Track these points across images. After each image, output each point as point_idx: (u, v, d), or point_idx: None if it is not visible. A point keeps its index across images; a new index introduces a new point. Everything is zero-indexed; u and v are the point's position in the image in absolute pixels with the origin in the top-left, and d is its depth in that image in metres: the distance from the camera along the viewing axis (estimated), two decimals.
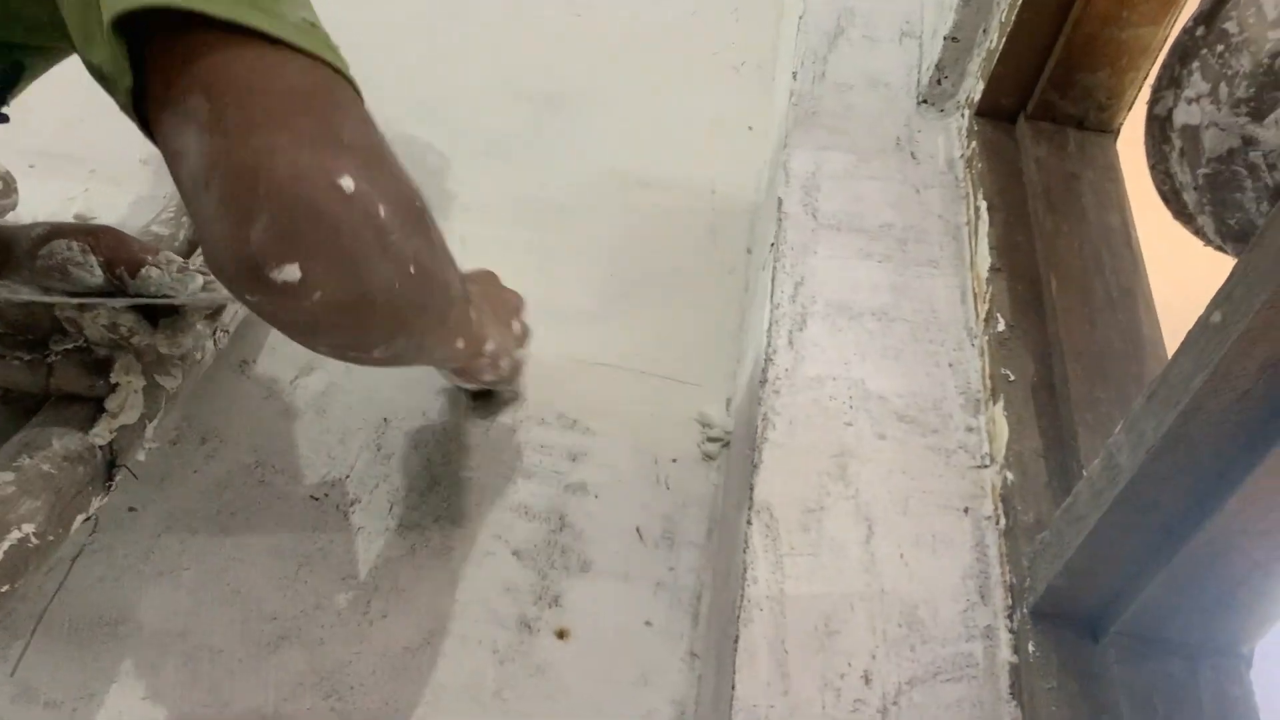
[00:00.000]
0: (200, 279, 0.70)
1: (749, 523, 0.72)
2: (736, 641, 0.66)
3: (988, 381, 0.81)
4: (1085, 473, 0.61)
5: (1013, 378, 0.78)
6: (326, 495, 0.84)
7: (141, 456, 0.73)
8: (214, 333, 0.80)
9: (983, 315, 0.85)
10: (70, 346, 0.66)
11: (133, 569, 0.78)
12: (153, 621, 0.76)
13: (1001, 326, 0.82)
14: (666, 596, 0.82)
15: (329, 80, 0.50)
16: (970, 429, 0.79)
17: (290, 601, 0.78)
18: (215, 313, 0.72)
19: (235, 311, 0.85)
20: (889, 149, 1.01)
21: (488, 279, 0.87)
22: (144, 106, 0.49)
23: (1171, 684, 0.62)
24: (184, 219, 0.90)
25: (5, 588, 0.58)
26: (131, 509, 0.81)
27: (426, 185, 1.11)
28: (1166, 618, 0.62)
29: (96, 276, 0.66)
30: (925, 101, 1.06)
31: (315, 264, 0.48)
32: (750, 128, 1.21)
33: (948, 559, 0.71)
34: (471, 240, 1.05)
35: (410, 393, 0.92)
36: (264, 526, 0.82)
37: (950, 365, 0.83)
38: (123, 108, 0.50)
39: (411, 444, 0.88)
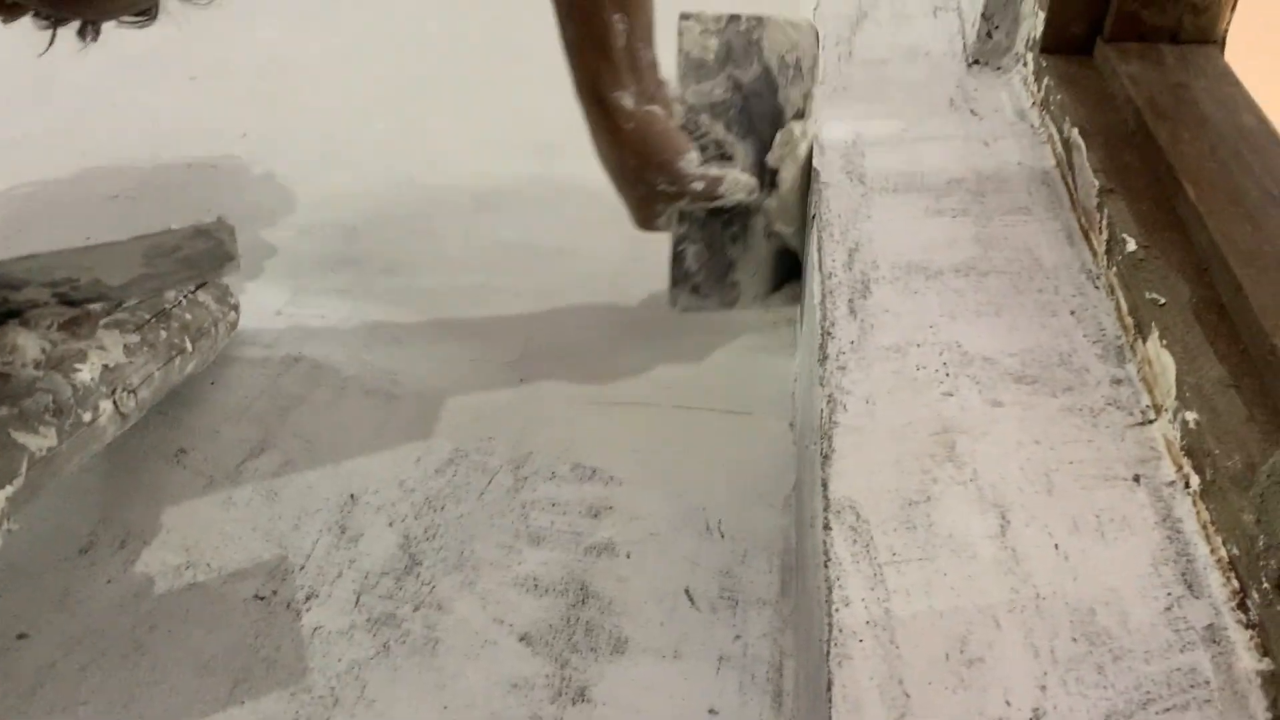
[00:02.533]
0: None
1: (827, 527, 0.51)
2: (830, 690, 0.44)
3: (1128, 319, 0.60)
4: None
5: (1163, 301, 0.57)
6: (275, 592, 0.64)
7: None
8: (113, 392, 0.63)
9: (1102, 248, 0.65)
10: None
11: (13, 710, 0.58)
12: None
13: (1133, 247, 0.61)
14: (734, 674, 0.59)
15: None
16: (1117, 380, 0.57)
17: None
18: (71, 323, 0.55)
19: (151, 374, 0.68)
20: (942, 110, 0.83)
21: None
22: None
23: None
24: None
25: None
26: (21, 635, 0.62)
27: (411, 246, 0.95)
28: None
29: None
30: (977, 62, 0.89)
31: None
32: None
33: (1124, 543, 0.49)
34: (462, 291, 0.88)
35: (382, 459, 0.73)
36: (191, 639, 0.62)
37: (1072, 313, 0.62)
38: None
39: (385, 520, 0.69)
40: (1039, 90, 0.81)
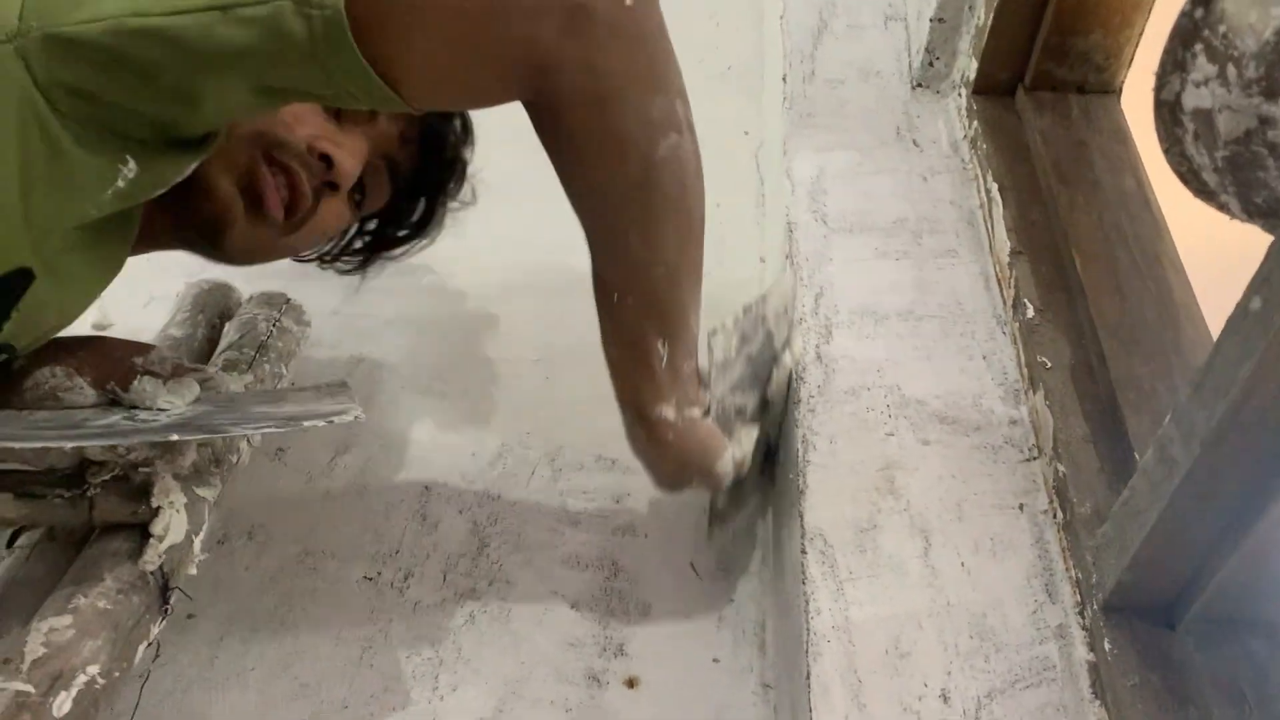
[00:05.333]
0: (196, 386, 0.69)
1: (804, 552, 0.71)
2: (809, 677, 0.66)
3: (1024, 370, 0.80)
4: (1140, 464, 0.59)
5: (1050, 364, 0.77)
6: (379, 574, 0.84)
7: (193, 570, 0.73)
8: (246, 437, 0.80)
9: (1010, 301, 0.84)
10: (108, 477, 0.66)
11: (200, 678, 0.78)
12: None
13: (1031, 313, 0.80)
14: (730, 630, 0.81)
15: None
16: (1014, 421, 0.78)
17: (359, 688, 0.78)
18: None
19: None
20: (890, 140, 0.99)
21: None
22: None
23: (1256, 665, 0.61)
24: (199, 318, 0.90)
25: None
26: (190, 616, 0.81)
27: (439, 241, 1.10)
28: (1244, 598, 0.61)
29: (88, 397, 0.66)
30: (920, 85, 1.04)
31: None
32: (746, 132, 1.20)
33: (1010, 561, 0.70)
34: (489, 289, 1.04)
35: (447, 455, 0.91)
36: (322, 615, 0.82)
37: (984, 357, 0.82)
38: None
39: (455, 509, 0.88)
40: (969, 127, 0.97)
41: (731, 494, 0.82)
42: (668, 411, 0.71)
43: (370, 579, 0.84)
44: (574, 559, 0.85)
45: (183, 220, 0.72)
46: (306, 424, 0.65)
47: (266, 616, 0.82)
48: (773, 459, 0.87)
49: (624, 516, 0.88)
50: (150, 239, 0.73)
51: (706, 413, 0.75)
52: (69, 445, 0.63)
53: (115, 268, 0.68)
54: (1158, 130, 0.57)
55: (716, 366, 0.77)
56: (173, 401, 0.65)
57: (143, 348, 0.70)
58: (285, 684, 0.78)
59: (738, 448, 0.77)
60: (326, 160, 0.73)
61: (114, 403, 0.65)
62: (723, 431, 0.76)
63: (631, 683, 0.78)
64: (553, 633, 0.81)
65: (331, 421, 0.64)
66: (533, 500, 0.89)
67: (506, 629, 0.81)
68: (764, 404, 0.82)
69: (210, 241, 0.74)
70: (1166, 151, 0.57)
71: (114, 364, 0.66)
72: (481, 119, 0.89)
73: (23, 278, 0.60)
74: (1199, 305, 0.79)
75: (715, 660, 0.79)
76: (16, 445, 0.61)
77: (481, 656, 0.79)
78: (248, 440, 0.81)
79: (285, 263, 1.07)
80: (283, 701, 0.77)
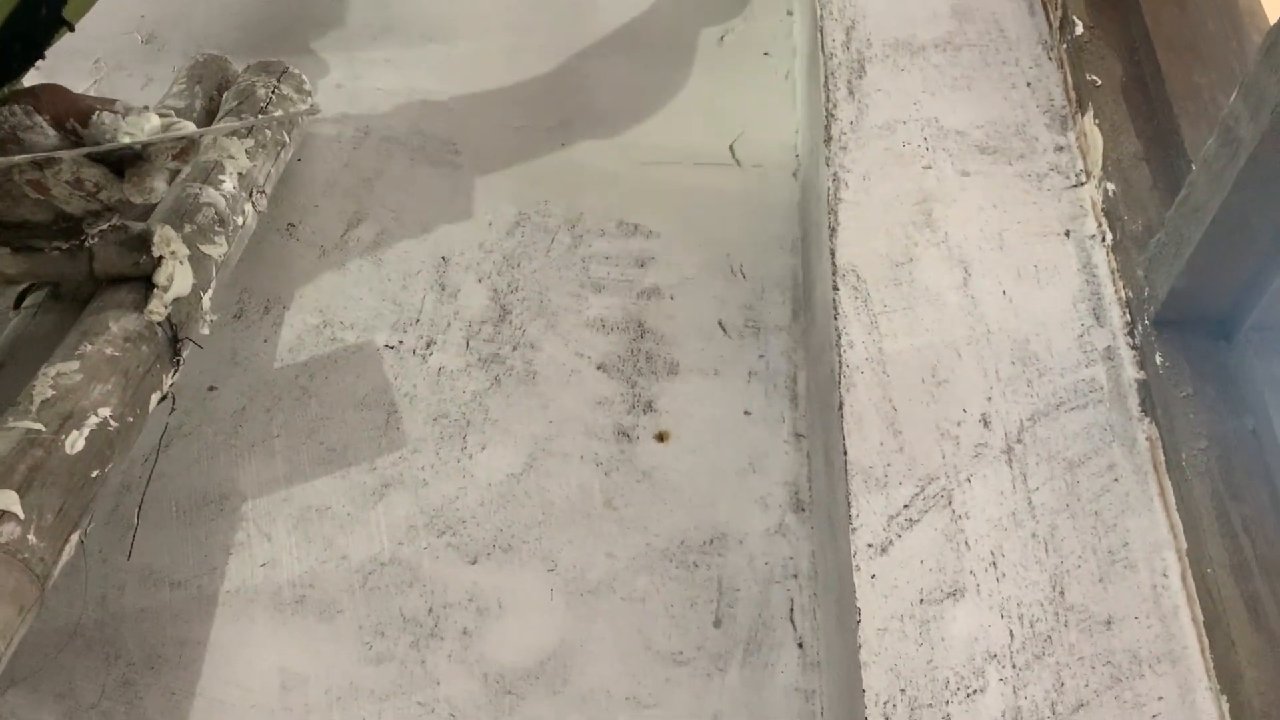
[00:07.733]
0: (156, 118, 0.66)
1: (835, 288, 0.68)
2: (841, 408, 0.63)
3: (1072, 93, 0.74)
4: (1201, 153, 0.54)
5: (1100, 82, 0.71)
6: (401, 342, 0.82)
7: (205, 330, 0.71)
8: (250, 194, 0.77)
9: (1056, 23, 0.77)
10: (104, 226, 0.63)
11: (224, 445, 0.77)
12: (255, 492, 0.75)
13: (1080, 30, 0.74)
14: (761, 384, 0.79)
15: None
16: (1060, 148, 0.73)
17: (386, 450, 0.77)
18: (182, 153, 0.67)
19: (269, 172, 0.82)
20: None
21: None
22: None
23: None
24: (196, 89, 0.86)
25: (95, 472, 0.57)
26: (212, 388, 0.80)
27: (442, 8, 1.04)
28: None
29: (49, 136, 0.62)
30: None
31: None
32: None
33: (1054, 286, 0.67)
34: (497, 55, 0.99)
35: (460, 224, 0.88)
36: (344, 383, 0.80)
37: (1029, 84, 0.76)
38: None
39: (474, 278, 0.85)
40: None
41: None
42: None
43: (392, 347, 0.82)
44: (599, 322, 0.82)
45: None
46: (262, 118, 0.62)
47: (288, 386, 0.80)
48: None
49: (648, 279, 0.84)
50: None
51: None
52: (21, 159, 0.60)
53: None
54: None
55: None
56: (132, 134, 0.62)
57: (105, 99, 0.66)
58: (311, 449, 0.77)
59: None
60: None
61: (76, 143, 0.62)
62: None
63: (662, 436, 0.76)
64: (580, 392, 0.79)
65: (288, 113, 0.61)
66: (554, 267, 0.86)
67: (533, 390, 0.79)
68: None
69: None
70: None
71: (71, 102, 0.63)
72: None
73: None
74: (1265, 14, 0.72)
75: (747, 413, 0.77)
76: None
77: (509, 417, 0.78)
78: (253, 205, 0.78)
79: (281, 38, 1.02)
80: (309, 465, 0.76)
